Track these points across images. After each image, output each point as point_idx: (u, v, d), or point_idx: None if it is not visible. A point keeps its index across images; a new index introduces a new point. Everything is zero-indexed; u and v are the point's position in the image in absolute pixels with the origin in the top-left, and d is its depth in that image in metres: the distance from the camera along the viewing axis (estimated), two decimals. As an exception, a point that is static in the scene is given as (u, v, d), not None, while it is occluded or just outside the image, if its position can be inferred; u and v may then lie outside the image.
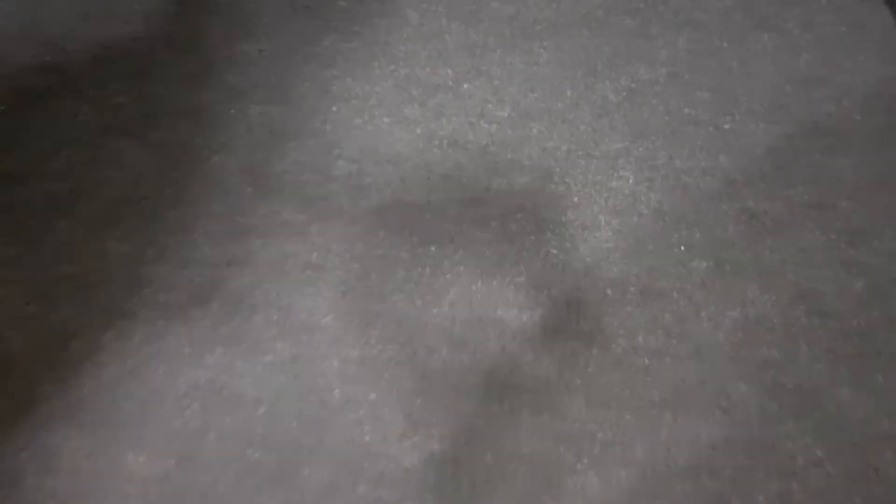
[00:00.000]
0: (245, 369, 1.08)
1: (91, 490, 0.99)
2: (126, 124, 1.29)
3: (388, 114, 1.32)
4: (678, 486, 1.02)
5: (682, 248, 1.20)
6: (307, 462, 1.01)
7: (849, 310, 1.14)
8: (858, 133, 1.30)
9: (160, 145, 1.27)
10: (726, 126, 1.31)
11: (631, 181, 1.26)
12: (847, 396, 1.08)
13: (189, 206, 1.21)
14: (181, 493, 0.99)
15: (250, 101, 1.33)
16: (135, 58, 1.37)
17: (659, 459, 1.03)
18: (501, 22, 1.44)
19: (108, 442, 1.02)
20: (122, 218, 1.19)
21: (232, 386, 1.06)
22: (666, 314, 1.14)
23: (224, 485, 0.99)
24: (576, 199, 1.24)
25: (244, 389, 1.06)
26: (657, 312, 1.14)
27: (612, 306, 1.15)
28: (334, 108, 1.33)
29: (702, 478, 1.02)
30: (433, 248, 1.19)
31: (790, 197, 1.24)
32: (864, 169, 1.26)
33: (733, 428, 1.06)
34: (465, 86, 1.36)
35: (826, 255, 1.18)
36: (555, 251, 1.19)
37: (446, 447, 1.03)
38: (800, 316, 1.14)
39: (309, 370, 1.08)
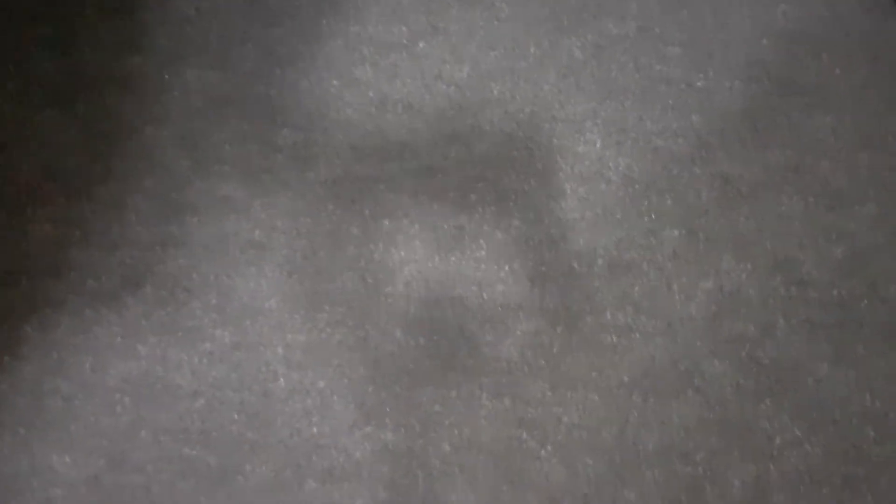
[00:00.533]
0: (181, 359, 1.01)
1: (13, 495, 0.92)
2: (50, 94, 1.19)
3: (337, 76, 1.23)
4: (648, 472, 0.96)
5: (653, 216, 1.13)
6: (249, 458, 0.95)
7: (829, 279, 1.08)
8: (839, 89, 1.23)
9: (87, 116, 1.17)
10: (699, 84, 1.23)
11: (598, 145, 1.18)
12: (827, 371, 1.02)
13: (119, 182, 1.12)
14: (112, 496, 0.92)
15: (186, 64, 1.23)
16: (59, 19, 1.26)
17: (628, 444, 0.98)
18: (459, -26, 1.34)
19: (31, 442, 0.95)
20: (45, 197, 1.10)
21: (167, 378, 0.99)
22: (635, 288, 1.07)
23: (159, 487, 0.93)
24: (539, 165, 1.16)
25: (180, 381, 0.99)
26: (626, 286, 1.07)
27: (577, 280, 1.08)
28: (278, 71, 1.23)
29: (673, 462, 0.96)
30: (386, 223, 1.11)
31: (767, 159, 1.17)
32: (845, 128, 1.19)
33: (706, 408, 1.00)
34: (421, 44, 1.26)
35: (805, 222, 1.12)
36: (517, 223, 1.11)
37: (401, 437, 0.97)
38: (777, 286, 1.08)
39: (251, 358, 1.01)
